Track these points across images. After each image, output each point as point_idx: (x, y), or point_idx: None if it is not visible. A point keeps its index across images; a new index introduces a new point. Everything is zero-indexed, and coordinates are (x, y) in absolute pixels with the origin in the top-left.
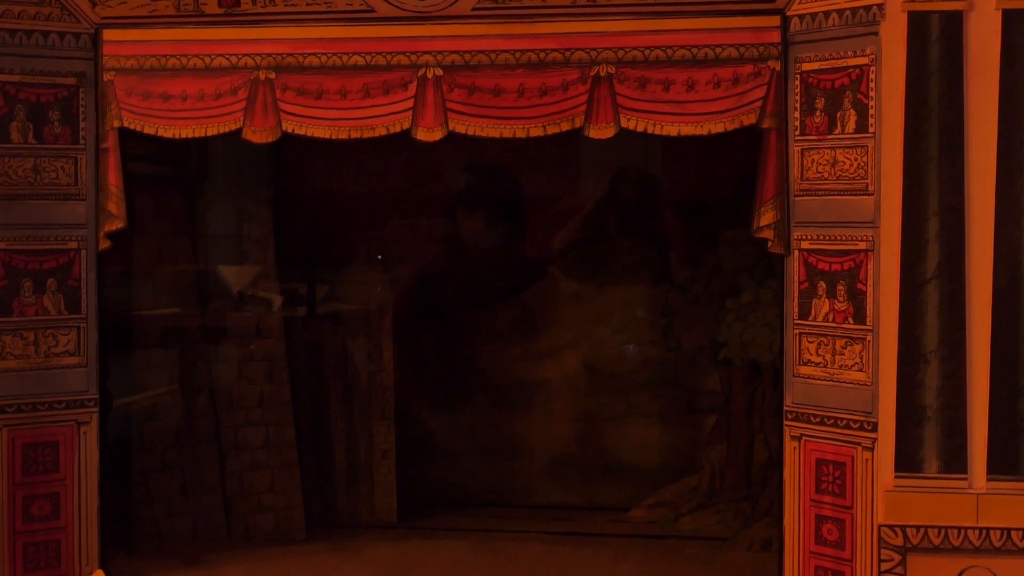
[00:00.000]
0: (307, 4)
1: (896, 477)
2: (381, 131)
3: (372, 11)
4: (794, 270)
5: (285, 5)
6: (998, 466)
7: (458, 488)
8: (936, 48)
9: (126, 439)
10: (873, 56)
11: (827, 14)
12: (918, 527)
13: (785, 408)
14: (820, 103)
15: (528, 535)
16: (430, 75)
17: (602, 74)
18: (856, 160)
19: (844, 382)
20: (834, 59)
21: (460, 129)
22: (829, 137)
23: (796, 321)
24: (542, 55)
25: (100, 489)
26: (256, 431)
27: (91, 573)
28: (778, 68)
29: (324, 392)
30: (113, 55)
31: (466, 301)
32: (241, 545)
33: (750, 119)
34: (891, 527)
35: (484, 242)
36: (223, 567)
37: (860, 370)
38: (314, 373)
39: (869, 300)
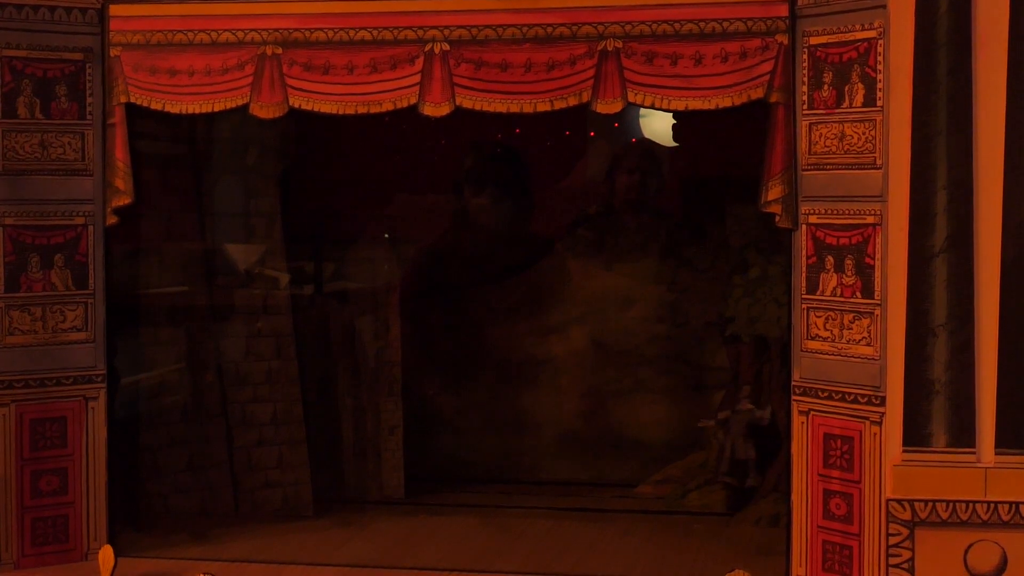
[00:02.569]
0: None
1: (904, 451)
2: (388, 106)
3: None
4: (802, 245)
5: None
6: (1006, 440)
7: (465, 464)
8: (945, 21)
9: (134, 415)
10: (881, 29)
11: None
12: (926, 501)
13: (793, 383)
14: (828, 77)
15: (535, 511)
16: (437, 50)
17: (609, 48)
18: (864, 134)
19: (852, 356)
20: (842, 32)
21: (467, 104)
22: (837, 111)
23: (804, 296)
24: (549, 29)
25: (108, 465)
26: (263, 408)
27: (99, 548)
28: (786, 42)
29: (331, 369)
30: (120, 30)
31: (473, 278)
32: (249, 521)
33: (758, 93)
34: (899, 501)
35: (491, 219)
36: (231, 543)
37: (868, 344)
38: (321, 350)
39: (877, 274)
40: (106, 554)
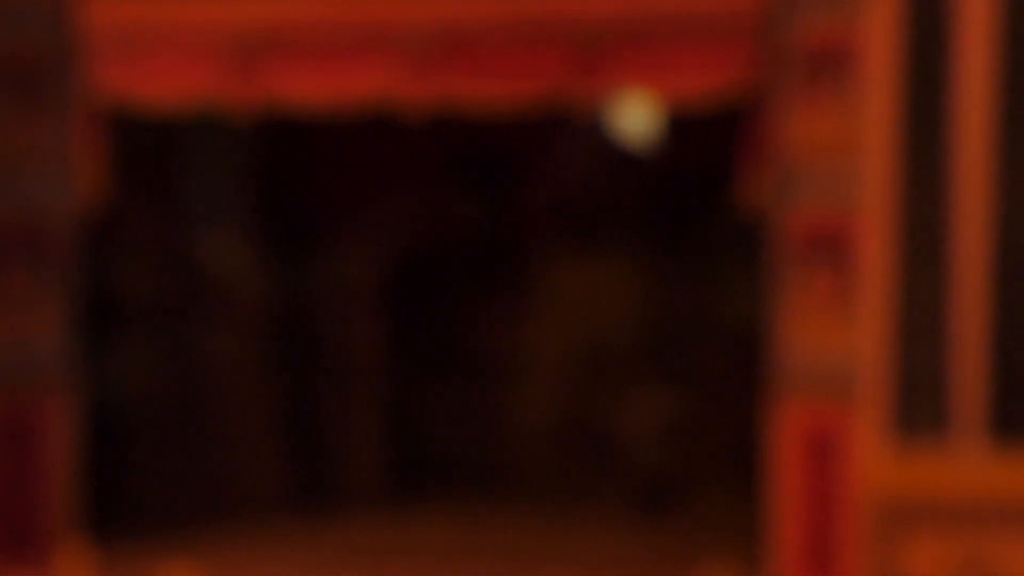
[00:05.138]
0: None
1: (886, 444)
2: (367, 99)
3: None
4: (783, 240)
5: None
6: (992, 433)
7: (446, 462)
8: (929, 15)
9: (109, 413)
10: (865, 23)
11: None
12: (908, 494)
13: (774, 378)
14: (811, 71)
15: (514, 509)
16: (418, 44)
17: (588, 41)
18: (846, 128)
19: (833, 350)
20: (825, 26)
21: (448, 98)
22: (818, 106)
23: (785, 291)
24: (528, 23)
25: (82, 461)
26: (242, 405)
27: (72, 545)
28: (768, 36)
29: (311, 366)
30: (96, 25)
31: (456, 276)
32: (225, 517)
33: (738, 86)
34: (881, 494)
35: (471, 219)
36: (206, 539)
37: (850, 338)
38: (301, 347)
39: (860, 268)
40: (79, 550)
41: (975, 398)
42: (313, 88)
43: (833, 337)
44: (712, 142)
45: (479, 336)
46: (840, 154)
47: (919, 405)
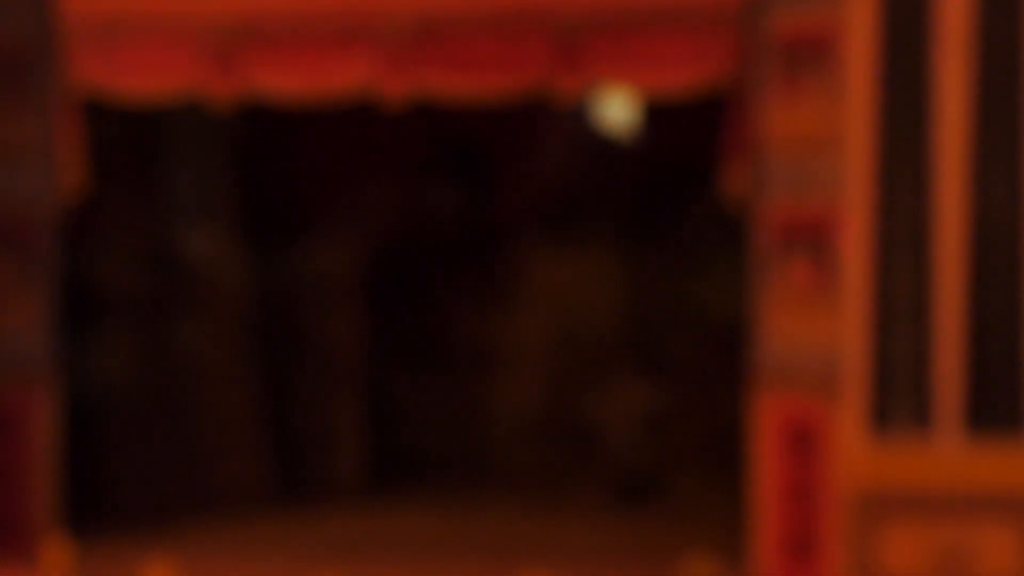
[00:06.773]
0: None
1: (866, 436)
2: (346, 91)
3: None
4: (763, 231)
5: None
6: (970, 425)
7: (426, 454)
8: (908, 6)
9: (89, 406)
10: (844, 14)
11: None
12: (887, 485)
13: (754, 369)
14: (790, 63)
15: (495, 499)
16: (395, 35)
17: (566, 32)
18: (826, 119)
19: (813, 342)
20: (804, 18)
21: (428, 90)
22: (798, 98)
23: (765, 282)
24: (506, 14)
25: (61, 455)
26: (221, 398)
27: (51, 541)
28: (747, 27)
29: (291, 358)
30: (74, 14)
31: (436, 267)
32: (206, 511)
33: (717, 78)
34: (860, 486)
35: (451, 209)
36: (187, 533)
37: (829, 330)
38: (281, 338)
39: (839, 260)
40: (58, 546)
41: (954, 390)
42: (293, 79)
43: (813, 328)
44: (692, 133)
45: (459, 327)
46: (820, 145)
47: (898, 397)
